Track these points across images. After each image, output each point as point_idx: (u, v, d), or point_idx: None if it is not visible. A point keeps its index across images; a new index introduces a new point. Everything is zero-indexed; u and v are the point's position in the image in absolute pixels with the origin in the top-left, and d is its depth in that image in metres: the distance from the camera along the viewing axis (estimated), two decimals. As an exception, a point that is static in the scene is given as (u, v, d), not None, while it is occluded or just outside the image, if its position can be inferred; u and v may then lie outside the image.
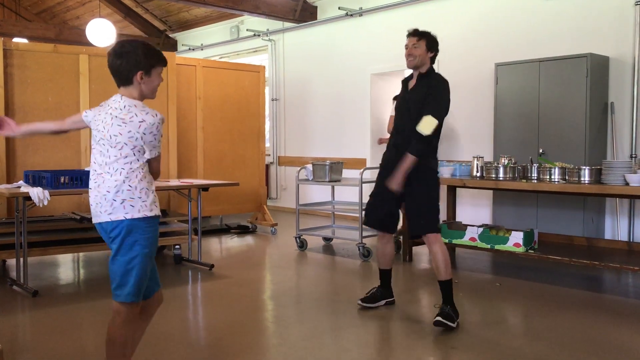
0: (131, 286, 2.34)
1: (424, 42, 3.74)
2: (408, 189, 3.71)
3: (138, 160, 2.39)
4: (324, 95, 8.95)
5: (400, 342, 3.45)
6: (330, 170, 6.13)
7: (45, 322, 3.83)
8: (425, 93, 3.71)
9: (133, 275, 2.34)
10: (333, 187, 6.79)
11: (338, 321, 3.82)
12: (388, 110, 7.77)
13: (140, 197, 2.37)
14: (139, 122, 2.37)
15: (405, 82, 3.94)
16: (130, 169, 2.37)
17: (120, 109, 2.39)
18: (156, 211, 2.42)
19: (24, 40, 9.93)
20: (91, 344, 3.34)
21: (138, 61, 2.37)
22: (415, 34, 3.77)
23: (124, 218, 2.35)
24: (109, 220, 2.37)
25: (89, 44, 8.99)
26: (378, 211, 3.91)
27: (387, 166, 3.83)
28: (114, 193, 2.36)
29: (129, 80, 2.39)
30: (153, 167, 2.48)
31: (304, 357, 3.17)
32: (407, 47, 3.77)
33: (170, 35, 11.94)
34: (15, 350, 3.28)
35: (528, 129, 5.95)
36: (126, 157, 2.38)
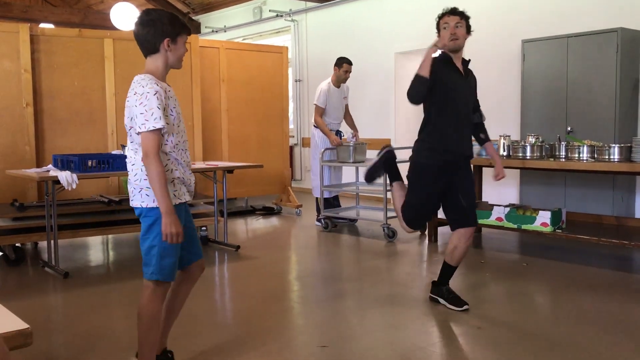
0: (154, 266, 2.38)
1: (465, 23, 3.49)
2: (461, 181, 3.60)
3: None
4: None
5: (424, 323, 3.45)
6: (354, 152, 6.11)
7: (76, 303, 3.92)
8: (474, 85, 3.68)
9: (154, 256, 2.38)
10: (357, 168, 6.77)
11: (363, 302, 3.83)
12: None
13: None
14: (133, 95, 2.30)
15: (446, 63, 3.52)
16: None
17: (129, 91, 2.36)
18: (173, 201, 2.35)
19: (50, 26, 10.03)
20: (121, 325, 3.41)
21: (164, 29, 2.35)
22: (458, 13, 3.50)
23: (140, 205, 2.39)
24: (133, 205, 2.44)
25: (113, 27, 9.06)
26: (427, 216, 3.84)
27: (456, 165, 3.58)
28: (133, 181, 2.40)
29: (155, 48, 2.37)
30: (142, 145, 2.27)
31: (329, 337, 3.20)
32: (447, 25, 3.45)
33: (193, 18, 11.95)
34: (47, 331, 3.36)
35: (556, 107, 5.83)
36: (133, 142, 2.39)
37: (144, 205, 2.38)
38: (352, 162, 6.13)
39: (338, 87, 6.46)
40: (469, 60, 3.64)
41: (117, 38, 6.09)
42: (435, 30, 3.56)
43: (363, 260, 5.05)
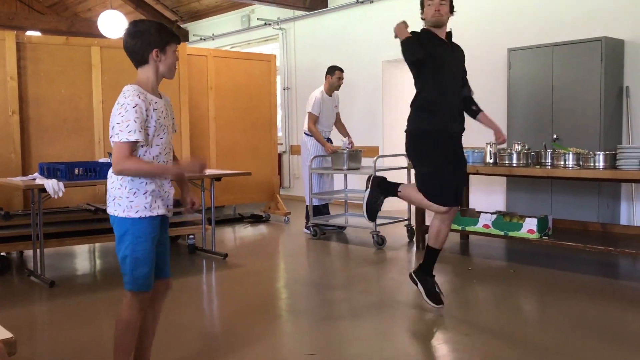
0: (128, 275, 2.37)
1: (448, 1, 3.61)
2: (455, 157, 3.67)
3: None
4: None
5: (413, 330, 3.46)
6: (348, 159, 6.12)
7: (62, 313, 3.89)
8: (462, 59, 3.77)
9: (127, 266, 2.36)
10: (346, 176, 6.79)
11: (351, 309, 3.83)
12: (400, 97, 7.74)
13: (127, 197, 2.33)
14: (116, 105, 2.31)
15: (430, 34, 3.62)
16: None
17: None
18: (143, 213, 2.33)
19: (37, 33, 9.99)
20: (107, 334, 3.37)
21: (152, 39, 2.35)
22: None
23: (113, 214, 2.38)
24: (108, 212, 2.43)
25: (101, 35, 9.03)
26: (452, 185, 3.63)
27: (451, 135, 3.64)
28: (110, 189, 2.40)
29: (144, 59, 2.36)
30: (113, 155, 2.28)
31: (317, 345, 3.19)
32: (431, 2, 3.57)
33: (181, 26, 11.95)
34: (32, 340, 3.33)
35: (542, 115, 5.89)
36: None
37: (115, 214, 2.36)
38: (347, 169, 6.14)
39: (330, 95, 6.50)
40: (451, 31, 3.72)
41: (104, 46, 6.08)
42: (419, 8, 3.68)
43: (351, 268, 5.05)
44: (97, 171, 4.59)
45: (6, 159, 5.50)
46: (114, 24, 9.14)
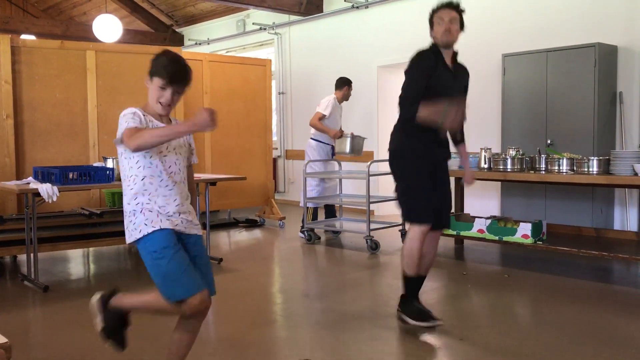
0: (161, 287, 2.33)
1: (459, 18, 3.35)
2: (439, 179, 3.46)
3: (128, 172, 2.37)
4: (331, 88, 8.92)
5: (406, 336, 3.46)
6: (352, 141, 6.24)
7: (56, 318, 3.87)
8: (466, 81, 3.57)
9: (162, 283, 2.32)
10: (340, 180, 6.80)
11: (345, 314, 3.83)
12: (395, 102, 7.75)
13: (131, 221, 2.36)
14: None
15: (436, 56, 3.37)
16: (127, 185, 2.38)
17: None
18: (146, 230, 2.31)
19: (32, 37, 9.97)
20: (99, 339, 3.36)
21: (150, 64, 2.38)
22: (454, 6, 3.35)
23: (130, 242, 2.40)
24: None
25: (96, 39, 9.02)
26: (430, 201, 3.38)
27: (436, 159, 3.46)
28: (126, 216, 2.42)
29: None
30: (123, 139, 2.29)
31: (312, 349, 3.19)
32: (441, 20, 3.30)
33: (176, 30, 11.95)
34: (26, 346, 3.31)
35: (536, 120, 5.91)
36: (125, 178, 2.41)
37: (131, 240, 2.38)
38: (349, 153, 6.22)
39: (340, 104, 6.66)
40: (457, 52, 3.49)
41: (100, 50, 6.07)
42: (428, 25, 3.43)
43: (346, 273, 5.05)
44: (91, 175, 4.58)
45: (0, 163, 5.48)
46: (109, 28, 9.13)
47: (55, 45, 5.90)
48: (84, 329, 3.58)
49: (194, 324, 2.46)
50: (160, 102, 2.38)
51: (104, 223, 5.19)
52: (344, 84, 6.64)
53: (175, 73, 2.37)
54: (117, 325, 2.52)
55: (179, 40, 11.89)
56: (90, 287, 4.77)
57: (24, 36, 9.41)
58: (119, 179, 3.95)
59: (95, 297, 2.56)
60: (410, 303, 3.49)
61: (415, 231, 3.37)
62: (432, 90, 3.29)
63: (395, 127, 3.53)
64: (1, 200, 5.44)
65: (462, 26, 3.39)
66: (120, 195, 5.32)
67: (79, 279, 5.05)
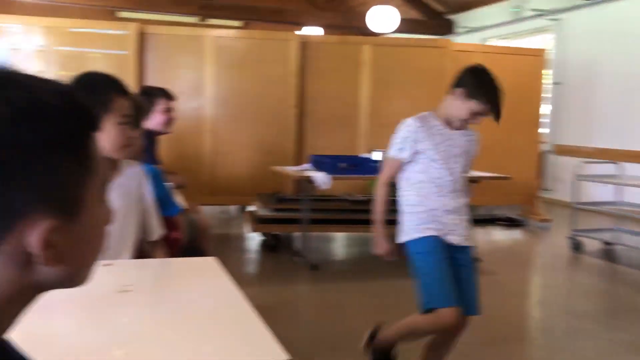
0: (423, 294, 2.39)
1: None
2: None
3: (408, 178, 2.47)
4: (614, 78, 7.99)
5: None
6: None
7: (322, 297, 4.20)
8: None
9: (418, 285, 2.40)
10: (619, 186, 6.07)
11: (622, 344, 3.43)
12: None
13: (404, 220, 2.47)
14: None
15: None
16: (399, 186, 2.48)
17: None
18: (413, 235, 2.40)
19: (318, 30, 10.89)
20: (360, 326, 3.53)
21: (467, 78, 2.54)
22: None
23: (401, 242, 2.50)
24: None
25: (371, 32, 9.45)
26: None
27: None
28: None
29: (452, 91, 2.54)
30: None
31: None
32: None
33: (447, 17, 11.88)
34: (295, 321, 3.66)
35: None
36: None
37: (400, 241, 2.48)
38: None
39: None
40: None
41: (376, 44, 6.35)
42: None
43: (624, 295, 4.50)
44: (360, 166, 4.84)
45: (284, 148, 6.15)
46: (384, 19, 9.47)
47: (337, 40, 6.36)
48: (345, 313, 3.83)
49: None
50: (465, 120, 2.47)
51: (365, 210, 5.42)
52: None
53: (496, 106, 2.51)
54: None
55: (448, 27, 11.79)
56: (351, 270, 5.08)
57: (307, 29, 10.33)
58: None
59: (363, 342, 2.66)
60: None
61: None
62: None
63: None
64: (283, 180, 6.10)
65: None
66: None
67: (342, 261, 5.40)
